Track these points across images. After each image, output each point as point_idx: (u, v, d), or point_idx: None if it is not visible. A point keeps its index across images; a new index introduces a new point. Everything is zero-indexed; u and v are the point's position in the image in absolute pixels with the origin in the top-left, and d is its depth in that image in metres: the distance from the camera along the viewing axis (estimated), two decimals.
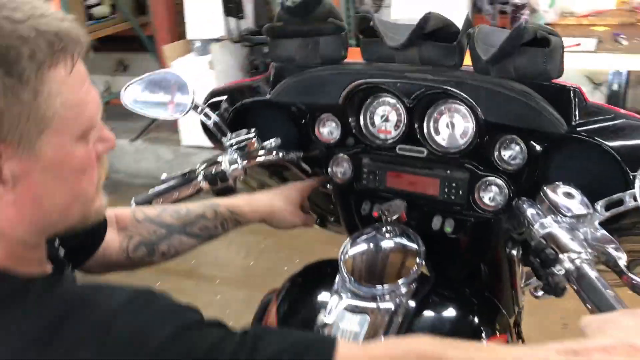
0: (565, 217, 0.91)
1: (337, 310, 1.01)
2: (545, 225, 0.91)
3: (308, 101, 1.22)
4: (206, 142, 1.36)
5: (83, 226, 0.77)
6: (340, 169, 1.24)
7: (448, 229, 1.15)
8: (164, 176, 1.23)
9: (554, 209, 0.92)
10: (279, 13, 1.18)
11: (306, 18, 1.16)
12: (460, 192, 1.13)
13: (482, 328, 1.06)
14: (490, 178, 1.10)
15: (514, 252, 1.20)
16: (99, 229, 1.03)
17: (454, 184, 1.13)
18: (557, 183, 0.96)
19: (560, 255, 0.86)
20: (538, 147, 1.04)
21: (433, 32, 1.09)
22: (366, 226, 1.17)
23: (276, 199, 1.21)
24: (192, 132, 3.88)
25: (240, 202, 1.18)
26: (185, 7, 3.96)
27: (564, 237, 0.88)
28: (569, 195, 0.94)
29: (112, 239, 1.07)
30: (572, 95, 1.00)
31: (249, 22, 4.10)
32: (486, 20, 3.52)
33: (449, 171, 1.14)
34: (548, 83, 1.01)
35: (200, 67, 3.91)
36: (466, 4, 3.49)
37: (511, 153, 1.08)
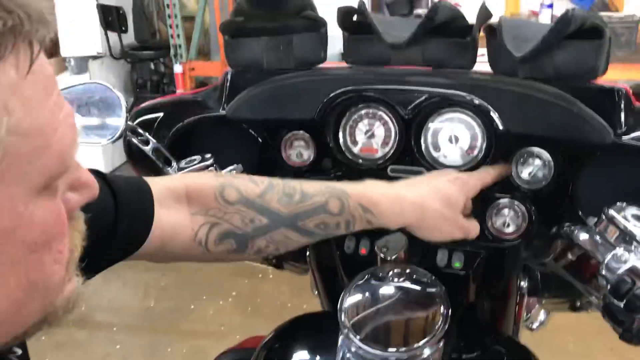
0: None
1: None
2: (621, 258, 0.73)
3: (276, 117, 0.98)
4: None
5: (41, 328, 0.47)
6: None
7: (457, 264, 0.96)
8: None
9: (627, 237, 0.75)
10: (239, 5, 0.92)
11: (276, 12, 0.92)
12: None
13: None
14: (505, 200, 0.92)
15: (524, 283, 1.03)
16: (142, 210, 0.71)
17: None
18: (620, 204, 0.79)
19: None
20: (569, 161, 0.87)
21: (439, 27, 0.89)
22: (353, 268, 0.93)
23: (430, 198, 0.83)
24: None
25: (377, 195, 0.81)
26: (58, 20, 3.52)
27: None
28: (638, 218, 0.77)
29: (181, 223, 0.75)
30: (617, 97, 0.84)
31: (130, 36, 3.76)
32: None
33: None
34: (588, 85, 0.85)
35: None
36: None
37: (532, 169, 0.91)
